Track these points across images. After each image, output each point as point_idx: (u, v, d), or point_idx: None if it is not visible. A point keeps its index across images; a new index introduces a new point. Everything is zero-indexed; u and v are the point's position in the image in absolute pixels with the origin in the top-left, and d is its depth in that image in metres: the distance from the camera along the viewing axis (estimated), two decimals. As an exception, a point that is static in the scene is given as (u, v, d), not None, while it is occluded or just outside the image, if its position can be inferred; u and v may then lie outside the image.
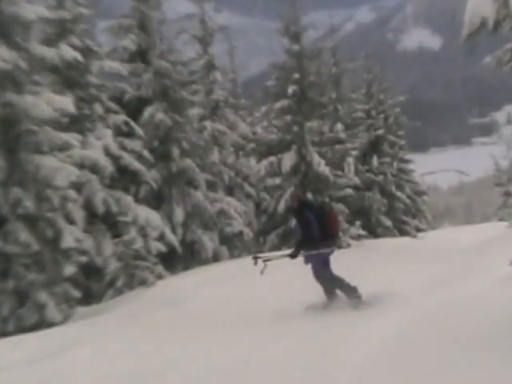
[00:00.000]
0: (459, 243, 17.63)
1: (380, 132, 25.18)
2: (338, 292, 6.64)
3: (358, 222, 20.43)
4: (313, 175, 16.66)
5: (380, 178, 24.76)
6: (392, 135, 26.92)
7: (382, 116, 26.45)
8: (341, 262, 6.62)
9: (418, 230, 27.49)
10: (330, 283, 6.60)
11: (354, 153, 21.80)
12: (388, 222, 24.35)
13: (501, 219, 31.67)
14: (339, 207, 17.42)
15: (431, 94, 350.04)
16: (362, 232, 20.25)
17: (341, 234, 8.22)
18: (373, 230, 23.66)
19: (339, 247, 6.93)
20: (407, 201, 26.52)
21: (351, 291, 6.60)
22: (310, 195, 16.48)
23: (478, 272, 8.74)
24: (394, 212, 25.87)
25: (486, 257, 10.58)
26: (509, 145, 32.74)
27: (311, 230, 6.59)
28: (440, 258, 12.73)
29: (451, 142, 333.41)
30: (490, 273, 8.16)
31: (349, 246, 17.61)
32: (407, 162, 30.27)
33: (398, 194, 25.81)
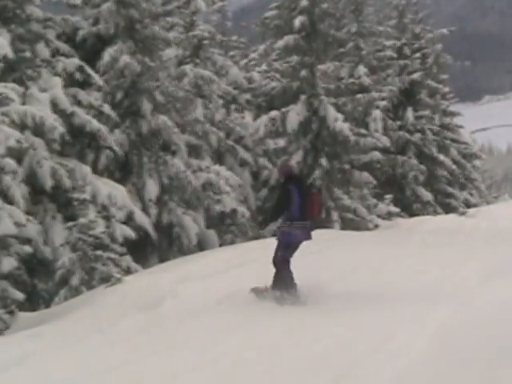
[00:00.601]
0: None
1: (416, 76, 25.49)
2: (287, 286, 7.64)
3: (388, 196, 20.72)
4: (328, 135, 16.81)
5: (417, 136, 25.29)
6: (432, 80, 27.37)
7: (418, 55, 26.67)
8: (360, 250, 6.67)
9: (468, 204, 27.98)
10: (281, 265, 7.67)
11: (383, 104, 22.53)
12: (428, 195, 25.06)
13: None
14: (363, 176, 17.54)
15: (484, 25, 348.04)
16: (393, 209, 20.62)
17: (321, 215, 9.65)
18: (408, 206, 24.00)
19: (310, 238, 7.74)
20: (453, 167, 27.06)
21: (289, 286, 7.58)
22: (324, 161, 16.48)
23: None
24: (436, 182, 26.33)
25: None
26: None
27: (292, 205, 7.61)
28: (497, 243, 12.84)
29: (511, 87, 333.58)
30: None
31: (376, 227, 17.82)
32: (453, 115, 30.69)
33: (441, 157, 26.37)
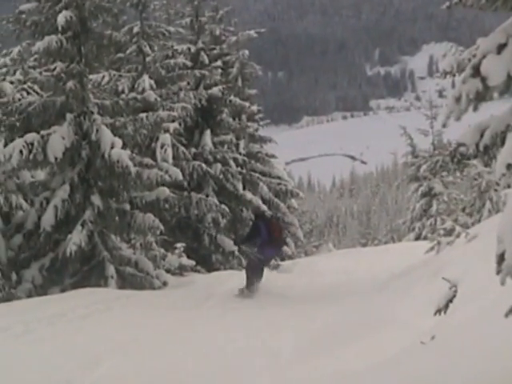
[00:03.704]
0: (351, 277, 19.31)
1: (216, 91, 26.15)
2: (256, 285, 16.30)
3: (180, 245, 21.23)
4: (102, 165, 17.10)
5: (217, 168, 25.63)
6: (237, 96, 28.18)
7: (218, 63, 27.54)
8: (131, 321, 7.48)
9: (282, 256, 28.96)
10: (255, 277, 16.34)
11: (173, 126, 22.33)
12: (231, 244, 25.17)
13: (418, 237, 35.52)
14: (147, 219, 17.86)
15: (302, 26, 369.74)
16: (187, 261, 21.05)
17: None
18: (206, 258, 24.52)
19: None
20: (264, 208, 27.40)
21: (254, 287, 16.22)
22: (96, 199, 16.90)
23: (383, 324, 10.11)
24: (242, 227, 26.89)
25: (397, 300, 12.16)
26: (433, 109, 36.83)
27: (262, 235, 16.34)
28: (320, 305, 14.02)
29: (338, 105, 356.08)
30: (404, 325, 9.47)
31: (164, 284, 18.40)
32: (263, 141, 31.53)
33: (248, 195, 26.92)
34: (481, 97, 5.19)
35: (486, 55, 5.12)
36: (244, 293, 16.03)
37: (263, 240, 16.35)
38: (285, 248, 30.39)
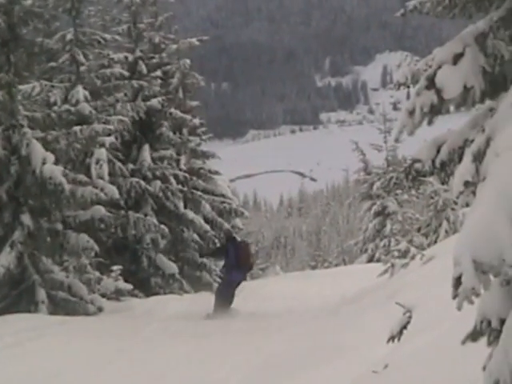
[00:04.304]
0: (300, 302, 19.32)
1: (155, 103, 26.33)
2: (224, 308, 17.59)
3: (116, 267, 21.17)
4: (33, 182, 17.07)
5: (156, 185, 25.77)
6: (177, 109, 28.29)
7: (158, 73, 27.63)
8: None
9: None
10: (223, 301, 17.61)
11: (110, 140, 22.13)
12: (172, 267, 25.59)
13: (371, 259, 35.77)
14: (81, 240, 17.85)
15: (248, 33, 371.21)
16: (124, 285, 20.96)
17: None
18: (145, 281, 24.52)
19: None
20: (206, 227, 27.99)
21: (222, 310, 17.43)
22: (26, 218, 16.86)
23: (334, 353, 10.25)
24: (183, 248, 27.05)
25: (348, 326, 12.32)
26: (387, 122, 37.05)
27: (230, 258, 18.04)
28: (270, 331, 14.11)
29: (286, 118, 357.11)
30: (356, 353, 9.66)
31: (100, 310, 18.37)
32: (206, 156, 31.69)
33: (190, 215, 27.24)
34: (436, 110, 5.21)
35: (441, 66, 5.13)
36: (210, 316, 17.38)
37: (231, 263, 18.12)
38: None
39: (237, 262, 18.02)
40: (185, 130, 29.48)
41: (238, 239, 20.70)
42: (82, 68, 23.59)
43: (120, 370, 10.80)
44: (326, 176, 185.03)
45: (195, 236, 27.76)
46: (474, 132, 5.31)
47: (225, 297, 17.87)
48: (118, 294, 20.90)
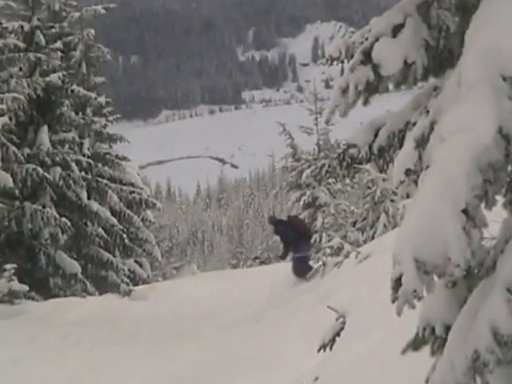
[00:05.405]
0: (220, 305, 19.48)
1: (55, 78, 25.95)
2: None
3: (10, 266, 21.00)
4: None
5: (56, 173, 25.29)
6: (81, 85, 28.24)
7: (58, 45, 27.32)
8: None
9: (135, 280, 28.95)
10: (301, 271, 20.14)
11: (2, 121, 22.36)
12: (74, 266, 25.29)
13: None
14: None
15: (161, 1, 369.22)
16: (18, 286, 20.79)
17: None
18: (43, 282, 24.26)
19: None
20: (113, 221, 28.12)
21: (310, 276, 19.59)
22: None
23: (258, 364, 10.36)
24: (86, 244, 26.88)
25: (275, 332, 12.41)
26: (319, 102, 37.16)
27: (289, 238, 21.16)
28: (181, 341, 14.14)
29: (204, 97, 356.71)
30: (284, 364, 9.76)
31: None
32: (113, 140, 31.50)
33: (94, 206, 27.05)
34: (372, 88, 5.06)
35: (379, 38, 4.95)
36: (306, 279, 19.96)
37: (294, 242, 21.02)
38: (139, 270, 30.31)
39: (297, 236, 20.96)
40: (89, 110, 29.33)
41: (284, 218, 24.17)
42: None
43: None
44: (249, 162, 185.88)
45: (100, 230, 27.46)
46: (416, 114, 5.25)
47: (306, 271, 20.20)
48: (11, 297, 20.54)
